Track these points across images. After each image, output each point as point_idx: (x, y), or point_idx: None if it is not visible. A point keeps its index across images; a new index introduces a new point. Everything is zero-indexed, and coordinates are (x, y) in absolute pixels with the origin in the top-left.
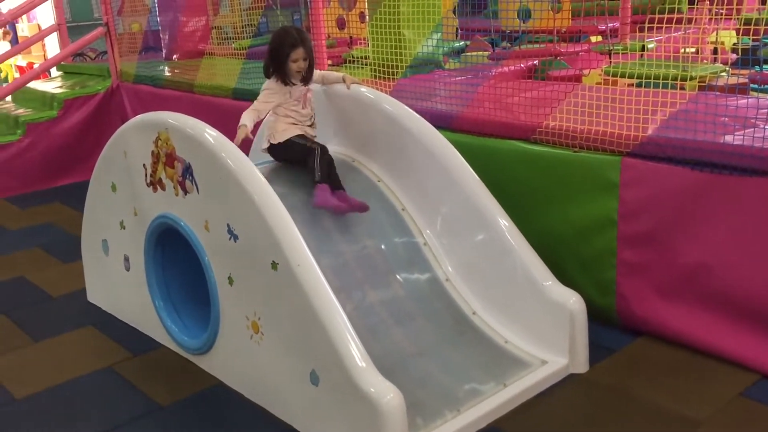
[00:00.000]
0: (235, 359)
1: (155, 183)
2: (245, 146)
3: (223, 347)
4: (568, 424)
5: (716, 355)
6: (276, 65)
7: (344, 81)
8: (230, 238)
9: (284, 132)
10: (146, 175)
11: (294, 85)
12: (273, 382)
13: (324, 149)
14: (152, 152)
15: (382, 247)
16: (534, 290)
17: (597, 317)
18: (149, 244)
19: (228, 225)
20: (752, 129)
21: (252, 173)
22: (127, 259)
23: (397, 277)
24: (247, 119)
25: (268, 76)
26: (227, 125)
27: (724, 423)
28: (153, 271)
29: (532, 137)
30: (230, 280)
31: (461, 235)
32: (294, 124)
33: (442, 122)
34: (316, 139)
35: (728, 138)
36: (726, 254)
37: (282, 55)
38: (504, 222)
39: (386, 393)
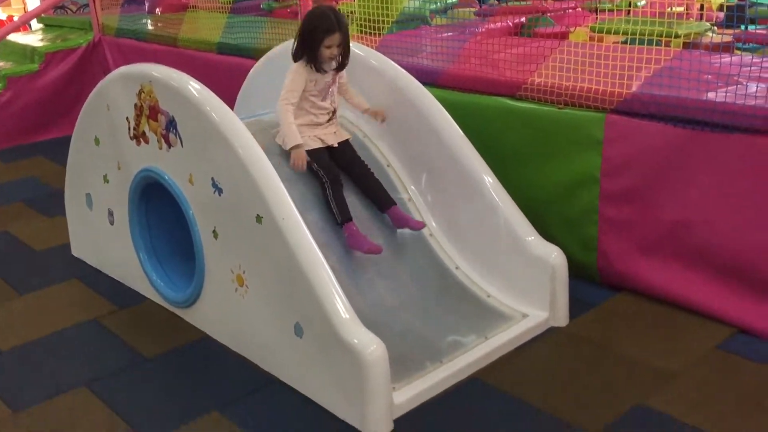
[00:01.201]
0: (220, 312)
1: (138, 136)
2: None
3: (208, 300)
4: (547, 376)
5: (694, 309)
6: (307, 49)
7: (369, 112)
8: (215, 192)
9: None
10: (129, 129)
11: (324, 72)
12: (258, 334)
13: (334, 179)
14: (135, 105)
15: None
16: (516, 245)
17: (578, 273)
18: (133, 198)
19: (212, 179)
20: (735, 86)
21: (236, 127)
22: (111, 213)
23: (382, 230)
24: (294, 132)
25: (296, 60)
26: (211, 80)
27: (700, 374)
28: (137, 224)
29: (518, 94)
30: (215, 234)
31: (446, 191)
32: (307, 125)
33: (428, 78)
34: (334, 138)
35: (711, 95)
36: (706, 211)
37: (316, 39)
38: (488, 178)
39: (369, 344)
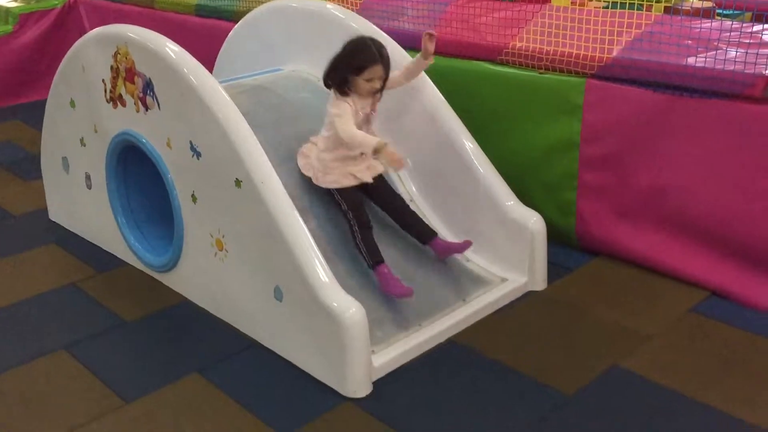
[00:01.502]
0: (199, 276)
1: (115, 99)
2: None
3: (187, 264)
4: (524, 338)
5: (669, 273)
6: (342, 79)
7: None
8: (193, 156)
9: (327, 174)
10: (106, 91)
11: (363, 101)
12: (238, 298)
13: (364, 224)
14: (111, 67)
15: None
16: (496, 211)
17: (557, 238)
18: (110, 162)
19: (191, 142)
20: (714, 52)
21: (215, 90)
22: (88, 176)
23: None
24: (366, 136)
25: (328, 85)
26: (189, 42)
27: (674, 336)
28: (115, 188)
29: (499, 58)
30: (194, 198)
31: (425, 156)
32: (339, 159)
33: (409, 42)
34: (368, 174)
35: (691, 60)
36: (683, 176)
37: (353, 69)
38: (468, 143)
39: (348, 307)
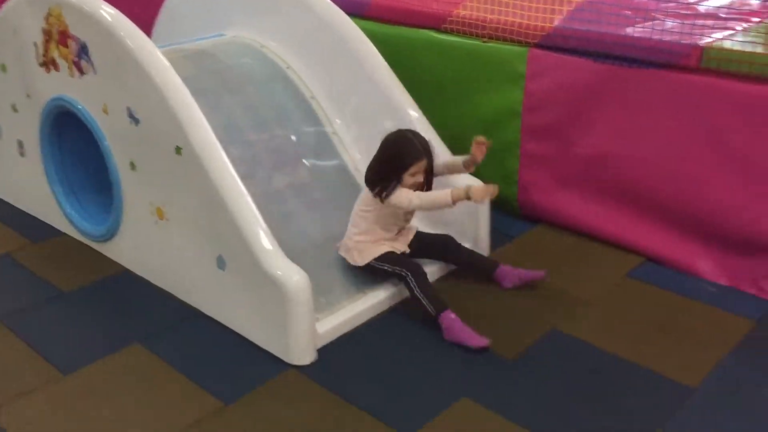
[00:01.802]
0: (140, 246)
1: (48, 63)
2: None
3: (127, 234)
4: (467, 304)
5: (607, 240)
6: (390, 179)
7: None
8: (131, 122)
9: (365, 252)
10: (38, 55)
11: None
12: (180, 267)
13: (414, 270)
14: (43, 30)
15: (291, 136)
16: (440, 179)
17: (500, 206)
18: (44, 128)
19: (128, 108)
20: (652, 22)
21: (153, 54)
22: (21, 144)
23: (306, 164)
24: (439, 192)
25: (373, 186)
26: (126, 5)
27: (612, 301)
28: (50, 156)
29: (443, 26)
30: (132, 166)
31: (370, 124)
32: (380, 240)
33: (353, 9)
34: (403, 245)
35: (629, 30)
36: (620, 145)
37: (400, 168)
38: (413, 112)
39: (292, 275)
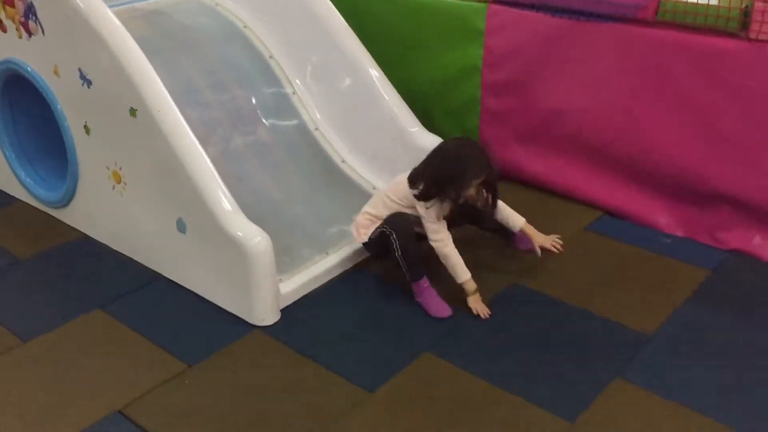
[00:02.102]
0: (97, 211)
1: None
2: None
3: (84, 199)
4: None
5: (566, 194)
6: (447, 194)
7: (527, 233)
8: (83, 84)
9: (369, 229)
10: None
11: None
12: (139, 232)
13: (401, 229)
14: None
15: (250, 96)
16: (401, 137)
17: None
18: None
19: (80, 69)
20: None
21: (103, 13)
22: None
23: (266, 124)
24: (462, 265)
25: (419, 197)
26: None
27: (569, 253)
28: (2, 121)
29: None
30: (86, 129)
31: (330, 83)
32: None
33: None
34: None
35: None
36: (578, 99)
37: (463, 185)
38: (373, 71)
39: (253, 236)
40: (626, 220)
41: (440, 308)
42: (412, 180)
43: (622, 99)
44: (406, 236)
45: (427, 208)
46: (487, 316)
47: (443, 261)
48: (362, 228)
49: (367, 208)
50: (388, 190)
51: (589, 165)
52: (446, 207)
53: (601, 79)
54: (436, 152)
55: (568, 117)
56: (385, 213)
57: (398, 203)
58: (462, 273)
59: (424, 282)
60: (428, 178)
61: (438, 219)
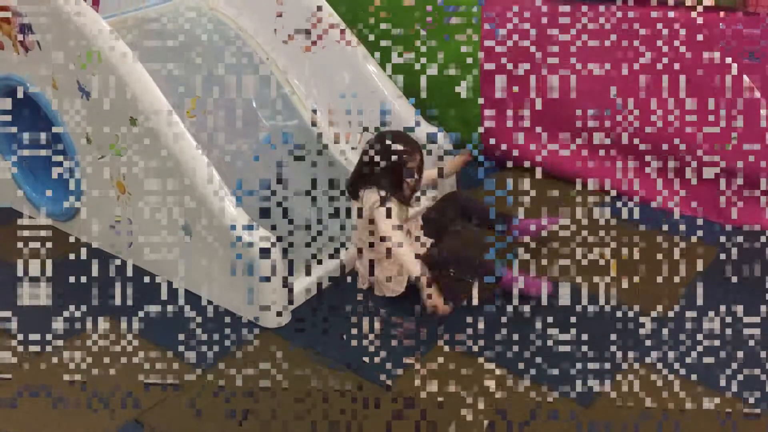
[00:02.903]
0: (103, 221)
1: None
2: None
3: (89, 211)
4: None
5: (571, 178)
6: (389, 183)
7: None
8: (82, 96)
9: (398, 283)
10: None
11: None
12: (145, 239)
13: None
14: None
15: (251, 100)
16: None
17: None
18: None
19: (78, 82)
20: None
21: (98, 25)
22: None
23: (267, 126)
24: (413, 262)
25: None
26: None
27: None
28: (4, 137)
29: None
30: (88, 140)
31: (329, 81)
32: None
33: None
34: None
35: None
36: (579, 83)
37: (400, 169)
38: (371, 66)
39: (259, 237)
40: (633, 200)
41: (535, 285)
42: (353, 191)
43: (622, 80)
44: (452, 262)
45: (378, 207)
46: (447, 312)
47: (396, 258)
48: (386, 282)
49: (367, 261)
50: (359, 233)
51: (594, 147)
52: (401, 207)
53: (600, 61)
54: (364, 153)
55: (568, 100)
56: (371, 239)
57: (368, 226)
58: (414, 265)
59: (506, 276)
60: (374, 175)
61: (398, 220)
